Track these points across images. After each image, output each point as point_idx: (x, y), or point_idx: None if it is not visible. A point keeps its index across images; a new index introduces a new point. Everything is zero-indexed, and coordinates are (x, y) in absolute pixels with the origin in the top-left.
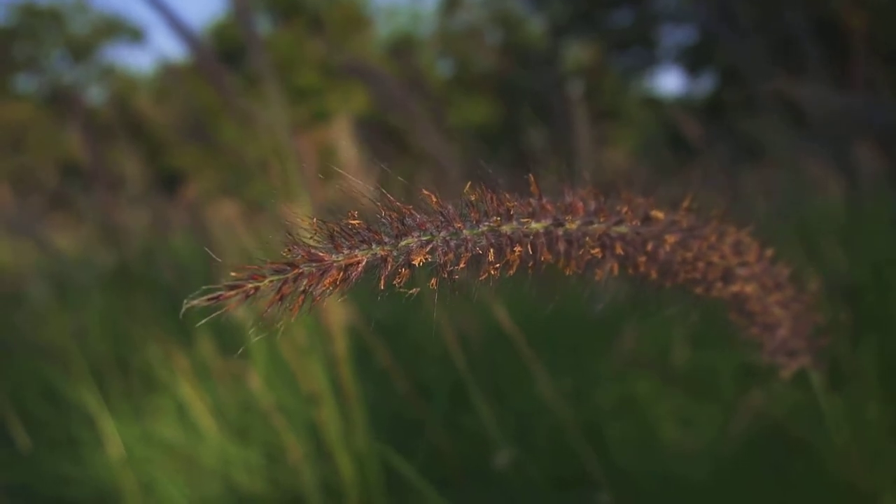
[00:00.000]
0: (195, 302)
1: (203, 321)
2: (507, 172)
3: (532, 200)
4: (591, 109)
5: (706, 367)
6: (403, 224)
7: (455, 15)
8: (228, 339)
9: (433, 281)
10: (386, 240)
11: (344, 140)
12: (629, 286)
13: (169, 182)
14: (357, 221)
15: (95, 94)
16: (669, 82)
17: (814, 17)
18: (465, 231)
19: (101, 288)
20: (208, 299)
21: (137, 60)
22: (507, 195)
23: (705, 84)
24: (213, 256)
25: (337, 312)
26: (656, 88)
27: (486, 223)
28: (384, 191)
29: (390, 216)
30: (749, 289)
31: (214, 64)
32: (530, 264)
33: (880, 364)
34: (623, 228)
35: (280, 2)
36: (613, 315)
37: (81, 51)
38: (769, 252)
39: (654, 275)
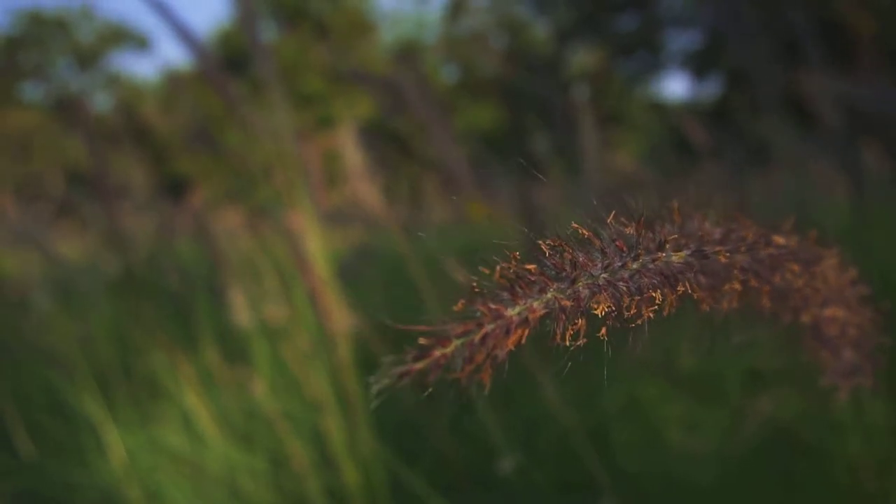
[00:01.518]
0: (382, 382)
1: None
2: (512, 178)
3: (670, 228)
4: (596, 114)
5: (713, 370)
6: (574, 266)
7: (460, 20)
8: (233, 346)
9: (603, 330)
10: (557, 286)
11: (349, 146)
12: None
13: (174, 189)
14: (532, 266)
15: (101, 102)
16: (675, 87)
17: (819, 18)
18: (626, 270)
19: (106, 295)
20: (398, 373)
21: (143, 68)
22: (656, 224)
23: (711, 88)
24: (218, 264)
25: (341, 318)
26: (662, 93)
27: (647, 258)
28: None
29: (554, 257)
30: (839, 313)
31: (219, 71)
32: (676, 302)
33: (889, 368)
34: (750, 258)
35: (285, 8)
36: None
37: (87, 59)
38: (852, 273)
39: (768, 304)
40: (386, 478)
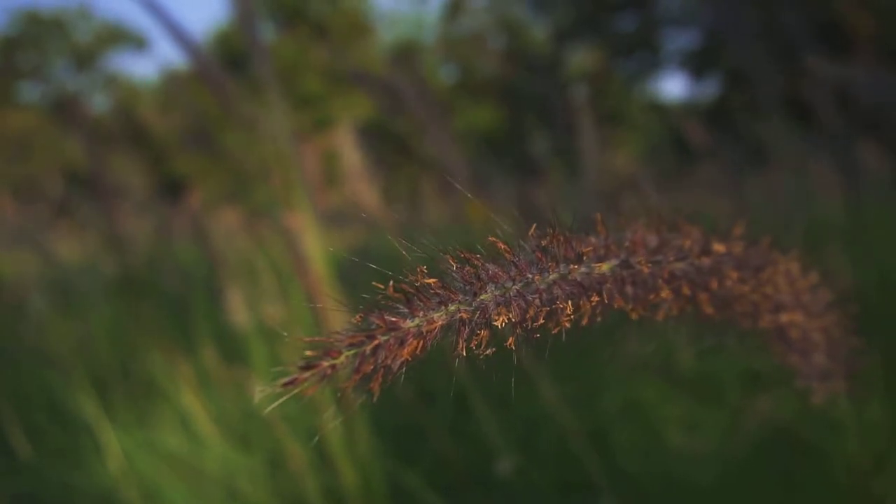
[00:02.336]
0: (267, 392)
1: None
2: (512, 178)
3: (597, 240)
4: (595, 114)
5: (712, 371)
6: (479, 278)
7: (458, 21)
8: (231, 346)
9: (510, 340)
10: (461, 298)
11: (347, 146)
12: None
13: (172, 189)
14: (433, 280)
15: (99, 103)
16: (674, 87)
17: (818, 18)
18: (538, 281)
19: (104, 295)
20: (284, 384)
21: (141, 68)
22: (576, 237)
23: (710, 88)
24: (216, 264)
25: (338, 319)
26: (661, 93)
27: (559, 270)
28: (454, 244)
29: (461, 270)
30: (797, 318)
31: (216, 72)
32: (599, 311)
33: (886, 368)
34: (685, 265)
35: (283, 9)
36: (617, 320)
37: (85, 59)
38: (814, 278)
39: (711, 311)
40: (384, 479)
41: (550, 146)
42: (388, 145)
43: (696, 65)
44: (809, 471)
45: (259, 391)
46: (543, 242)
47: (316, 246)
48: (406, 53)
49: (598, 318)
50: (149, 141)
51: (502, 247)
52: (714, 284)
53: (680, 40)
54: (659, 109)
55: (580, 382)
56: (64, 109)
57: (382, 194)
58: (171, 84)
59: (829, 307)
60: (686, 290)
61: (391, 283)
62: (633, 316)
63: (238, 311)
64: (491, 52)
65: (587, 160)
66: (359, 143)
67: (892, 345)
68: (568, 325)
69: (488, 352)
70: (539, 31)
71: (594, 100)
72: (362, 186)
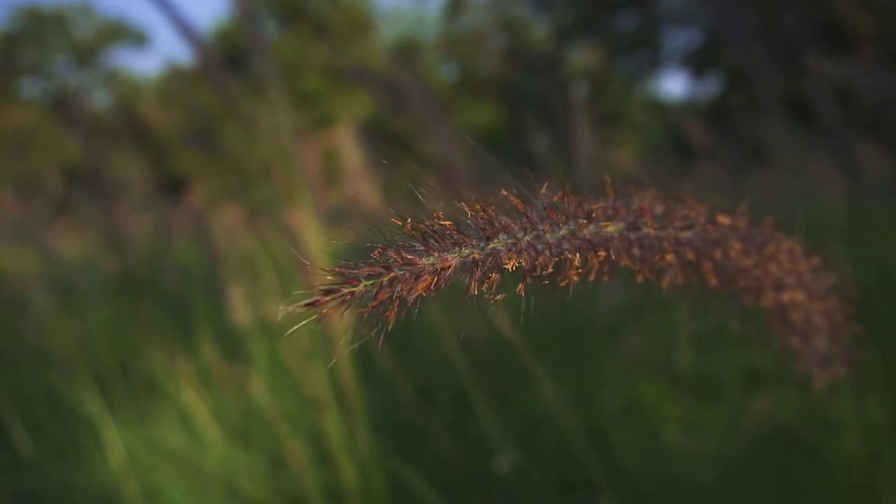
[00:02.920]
0: (290, 309)
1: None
2: (513, 175)
3: (608, 203)
4: (595, 113)
5: (712, 370)
6: (492, 226)
7: (459, 19)
8: (231, 344)
9: (520, 287)
10: (475, 242)
11: (348, 145)
12: (629, 290)
13: (173, 187)
14: (448, 222)
15: (100, 99)
16: (674, 86)
17: (818, 19)
18: (548, 234)
19: (104, 294)
20: (305, 305)
21: (142, 65)
22: (587, 198)
23: (710, 87)
24: (217, 263)
25: (340, 317)
26: (661, 92)
27: (568, 226)
28: (470, 194)
29: (476, 217)
30: (799, 297)
31: (218, 67)
32: (606, 269)
33: (885, 368)
34: (692, 233)
35: (284, 7)
36: (618, 318)
37: (86, 55)
38: (816, 260)
39: (715, 282)
40: (384, 477)
41: (550, 145)
42: (388, 143)
43: (697, 64)
44: (809, 470)
45: (281, 310)
46: (555, 199)
47: (317, 244)
48: (406, 51)
49: (606, 276)
50: (149, 138)
51: (515, 201)
52: (718, 254)
53: (680, 39)
54: (659, 108)
55: (580, 381)
56: (64, 106)
57: (383, 192)
58: (172, 81)
59: (831, 291)
60: (690, 257)
61: (409, 221)
62: (639, 278)
63: (239, 309)
64: (491, 50)
65: (584, 158)
66: (359, 141)
67: (892, 344)
68: (576, 278)
69: (499, 296)
70: (539, 29)
71: (594, 99)
72: (362, 184)
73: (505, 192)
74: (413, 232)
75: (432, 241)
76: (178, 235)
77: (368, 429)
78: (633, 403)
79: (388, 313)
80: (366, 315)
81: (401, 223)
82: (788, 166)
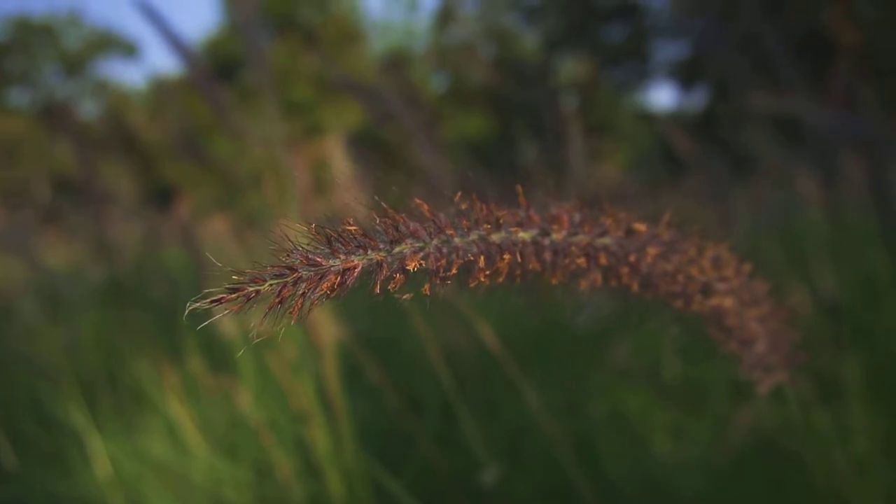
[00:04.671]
0: (196, 305)
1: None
2: (500, 185)
3: (520, 211)
4: (584, 123)
5: (697, 380)
6: (398, 231)
7: (449, 30)
8: (218, 355)
9: (426, 287)
10: (381, 246)
11: (337, 154)
12: (614, 300)
13: (161, 196)
14: (354, 227)
15: (88, 109)
16: (662, 97)
17: (801, 31)
18: (456, 238)
19: (92, 303)
20: (210, 302)
21: (131, 75)
22: (496, 205)
23: (698, 99)
24: (205, 272)
25: (327, 328)
26: (649, 103)
27: (477, 231)
28: (378, 199)
29: (385, 223)
30: (727, 303)
31: (208, 78)
32: (518, 272)
33: (867, 378)
34: (607, 240)
35: (275, 17)
36: (604, 328)
37: (74, 65)
38: (747, 267)
39: (635, 287)
40: (370, 487)
41: (540, 155)
42: (378, 153)
43: (684, 76)
44: (793, 479)
45: (188, 308)
46: (464, 206)
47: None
48: (397, 61)
49: (518, 278)
50: (138, 148)
51: (425, 208)
52: (633, 258)
53: (668, 51)
54: (647, 119)
55: (566, 391)
56: (53, 115)
57: (372, 202)
58: (161, 91)
59: (765, 298)
60: (603, 261)
61: (313, 225)
62: (553, 281)
63: (225, 319)
64: (481, 60)
65: (574, 169)
66: (349, 151)
67: (875, 353)
68: (485, 280)
69: (406, 295)
70: (529, 40)
71: (583, 109)
72: (352, 194)
73: (417, 201)
74: (318, 237)
75: (338, 244)
76: (167, 245)
77: (354, 439)
78: (618, 413)
79: (291, 310)
80: (269, 311)
81: (307, 229)
82: (773, 177)
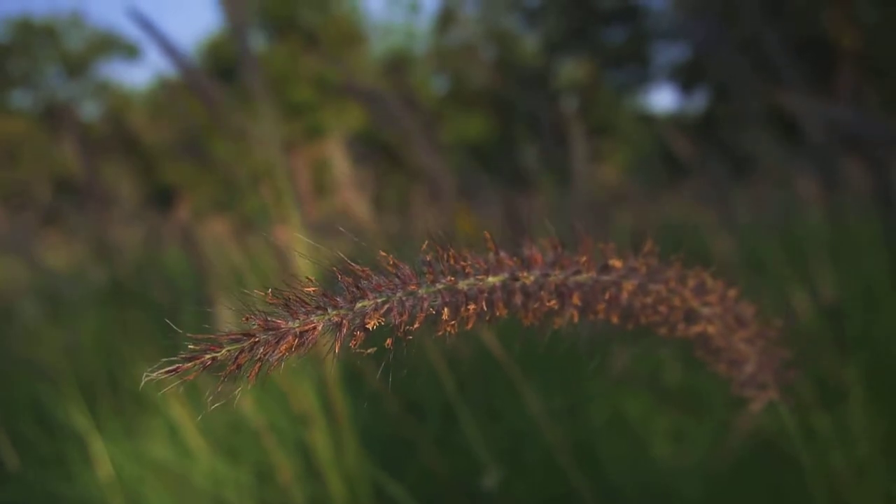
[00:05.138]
0: (154, 375)
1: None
2: (501, 188)
3: (489, 255)
4: (584, 125)
5: (697, 384)
6: (359, 287)
7: (450, 32)
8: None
9: (388, 341)
10: (341, 303)
11: (338, 156)
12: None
13: (162, 198)
14: (313, 288)
15: (90, 110)
16: (663, 99)
17: (802, 34)
18: (420, 291)
19: (92, 305)
20: (166, 372)
21: (132, 76)
22: (464, 252)
23: (698, 101)
24: (205, 275)
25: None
26: (650, 105)
27: (442, 282)
28: (341, 255)
29: (346, 280)
30: (711, 329)
31: (205, 82)
32: (487, 318)
33: (868, 382)
34: (581, 278)
35: (275, 18)
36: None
37: (76, 67)
38: (732, 292)
39: (615, 319)
40: (371, 491)
41: (540, 157)
42: (378, 155)
43: (685, 78)
44: (793, 484)
45: (145, 377)
46: (428, 258)
47: (304, 256)
48: (397, 63)
49: (487, 323)
50: (139, 149)
51: (391, 260)
52: (608, 296)
53: (669, 53)
54: (648, 121)
55: (567, 395)
56: (54, 116)
57: (372, 204)
58: (162, 93)
59: (752, 320)
60: (577, 301)
61: (270, 290)
62: (525, 323)
63: (226, 321)
64: (482, 62)
65: (577, 171)
66: (349, 152)
67: (874, 357)
68: (452, 329)
69: (368, 351)
70: (530, 42)
71: (583, 111)
72: (352, 196)
73: (383, 254)
74: (274, 301)
75: (297, 306)
76: (167, 247)
77: (355, 442)
78: (619, 417)
79: (248, 373)
80: (225, 376)
81: (262, 293)
82: (773, 179)
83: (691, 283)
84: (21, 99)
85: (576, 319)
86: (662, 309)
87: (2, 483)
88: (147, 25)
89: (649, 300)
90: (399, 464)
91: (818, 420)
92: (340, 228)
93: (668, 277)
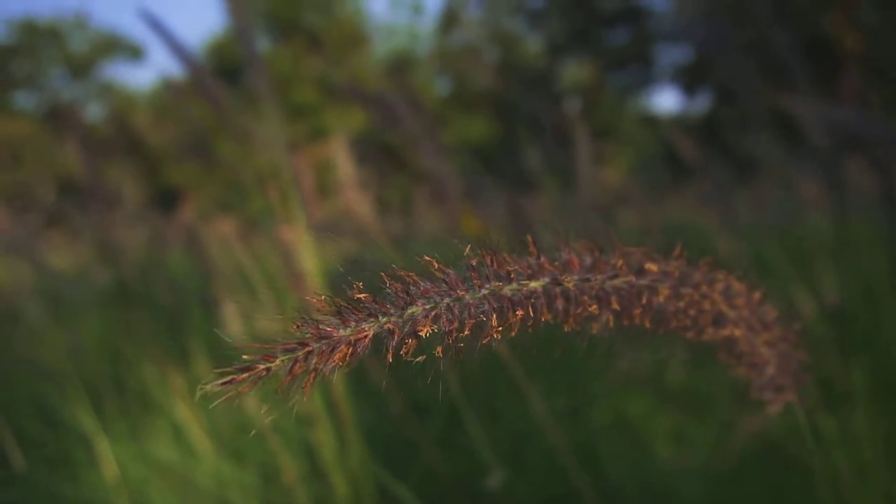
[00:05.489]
0: (208, 387)
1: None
2: (504, 190)
3: (531, 259)
4: (587, 127)
5: (700, 385)
6: (408, 294)
7: (453, 33)
8: (224, 358)
9: (438, 349)
10: (392, 311)
11: (341, 157)
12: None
13: (166, 199)
14: (364, 295)
15: (94, 112)
16: (666, 101)
17: (806, 36)
18: (467, 296)
19: (97, 306)
20: (222, 384)
21: (136, 78)
22: (507, 257)
23: (701, 102)
24: (210, 275)
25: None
26: (653, 107)
27: (488, 287)
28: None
29: (395, 287)
30: (738, 332)
31: (211, 82)
32: (530, 324)
33: (871, 383)
34: (618, 282)
35: (279, 20)
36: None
37: (80, 68)
38: (757, 295)
39: (647, 324)
40: (375, 491)
41: (543, 159)
42: (382, 156)
43: (688, 79)
44: (796, 485)
45: (199, 390)
46: (474, 262)
47: (310, 257)
48: (400, 65)
49: (530, 330)
50: (143, 150)
51: (436, 265)
52: (644, 300)
53: (672, 55)
54: (651, 123)
55: (570, 396)
56: (58, 118)
57: (376, 205)
58: (167, 94)
59: (774, 323)
60: (615, 305)
61: (322, 297)
62: (566, 329)
63: (232, 322)
64: (485, 64)
65: (582, 173)
66: (353, 153)
67: (878, 358)
68: (498, 336)
69: (419, 359)
70: (532, 44)
71: (587, 113)
72: (356, 197)
73: (426, 258)
74: (327, 308)
75: (349, 313)
76: (171, 248)
77: (360, 443)
78: (622, 418)
79: (304, 385)
80: (281, 388)
81: (315, 300)
82: (777, 181)
83: (719, 286)
84: (25, 100)
85: (611, 324)
86: (692, 312)
87: (7, 484)
88: (156, 25)
89: (682, 304)
90: (403, 464)
91: (822, 422)
92: (344, 229)
93: (699, 281)
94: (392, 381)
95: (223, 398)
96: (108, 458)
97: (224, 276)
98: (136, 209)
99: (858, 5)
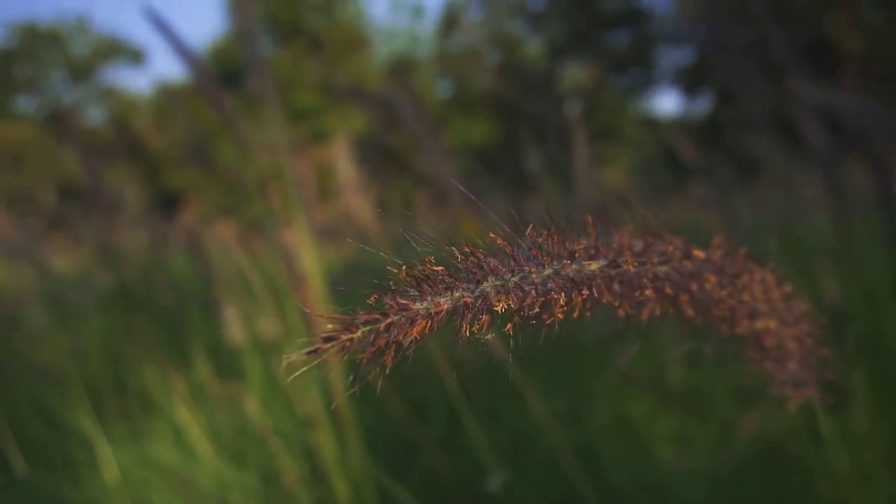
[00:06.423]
0: (294, 357)
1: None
2: (506, 192)
3: (590, 241)
4: (588, 129)
5: (702, 386)
6: (481, 269)
7: (453, 36)
8: (225, 361)
9: (508, 326)
10: (465, 285)
11: (343, 160)
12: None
13: (167, 203)
14: (440, 268)
15: (95, 115)
16: (667, 103)
17: (807, 37)
18: (534, 274)
19: (98, 309)
20: (307, 353)
21: (137, 82)
22: (569, 238)
23: (702, 104)
24: (211, 279)
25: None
26: (654, 109)
27: (552, 266)
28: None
29: (466, 262)
30: (771, 325)
31: (214, 85)
32: (589, 305)
33: (873, 385)
34: (668, 268)
35: (280, 23)
36: (608, 336)
37: (81, 72)
38: (787, 288)
39: (691, 313)
40: (376, 493)
41: (544, 161)
42: (383, 159)
43: (689, 81)
44: (797, 486)
45: (285, 359)
46: (539, 240)
47: (311, 260)
48: (401, 67)
49: (588, 312)
50: (144, 154)
51: (501, 243)
52: (694, 287)
53: (673, 57)
54: (652, 125)
55: (570, 398)
56: (59, 122)
57: (377, 208)
58: (168, 98)
59: (803, 317)
60: (669, 290)
61: (403, 268)
62: (620, 312)
63: (233, 325)
64: (485, 67)
65: (581, 175)
66: (354, 156)
67: (879, 359)
68: (561, 316)
69: (489, 336)
70: (533, 46)
71: (587, 115)
72: (357, 200)
73: (492, 235)
74: (407, 278)
75: (425, 285)
76: (173, 251)
77: (360, 445)
78: (623, 419)
79: (384, 357)
80: (364, 360)
81: (396, 270)
82: (778, 183)
83: (756, 277)
84: (26, 104)
85: (658, 311)
86: (732, 303)
87: (9, 486)
88: (162, 26)
89: (725, 293)
90: (403, 466)
91: (823, 424)
92: (345, 232)
93: (740, 271)
94: (392, 383)
95: (306, 367)
96: (109, 461)
97: (225, 280)
98: (137, 213)
99: (859, 6)
